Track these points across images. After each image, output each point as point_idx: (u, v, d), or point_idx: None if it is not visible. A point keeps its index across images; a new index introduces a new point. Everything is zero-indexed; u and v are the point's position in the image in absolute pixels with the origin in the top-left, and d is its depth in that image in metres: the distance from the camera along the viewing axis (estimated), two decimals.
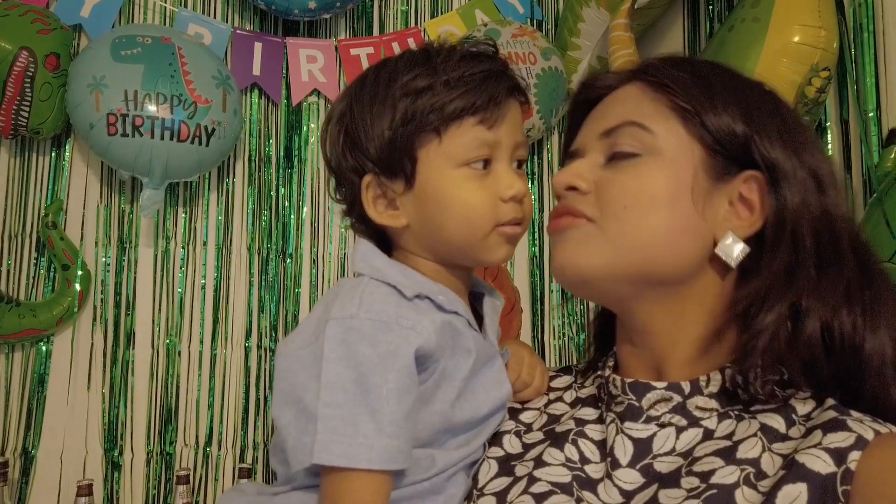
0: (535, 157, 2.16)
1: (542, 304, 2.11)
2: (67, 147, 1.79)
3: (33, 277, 1.75)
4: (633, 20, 1.83)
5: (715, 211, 0.63)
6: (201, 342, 1.84)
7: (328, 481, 0.61)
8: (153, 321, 1.82)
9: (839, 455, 0.52)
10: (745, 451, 0.56)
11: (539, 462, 0.65)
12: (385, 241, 0.74)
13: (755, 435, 0.57)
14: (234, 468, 1.82)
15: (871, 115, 1.45)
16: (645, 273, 0.63)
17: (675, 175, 0.62)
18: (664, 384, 0.63)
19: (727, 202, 0.63)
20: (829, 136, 1.56)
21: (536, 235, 2.13)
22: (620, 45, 1.78)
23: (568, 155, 0.72)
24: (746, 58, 1.47)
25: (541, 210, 2.14)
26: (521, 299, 1.86)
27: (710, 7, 1.91)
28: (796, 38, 1.44)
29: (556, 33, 2.16)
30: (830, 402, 0.58)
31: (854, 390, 0.59)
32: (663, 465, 0.60)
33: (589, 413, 0.69)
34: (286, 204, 1.94)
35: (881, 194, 1.26)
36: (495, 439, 0.72)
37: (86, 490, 1.52)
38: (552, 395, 0.76)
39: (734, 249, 0.62)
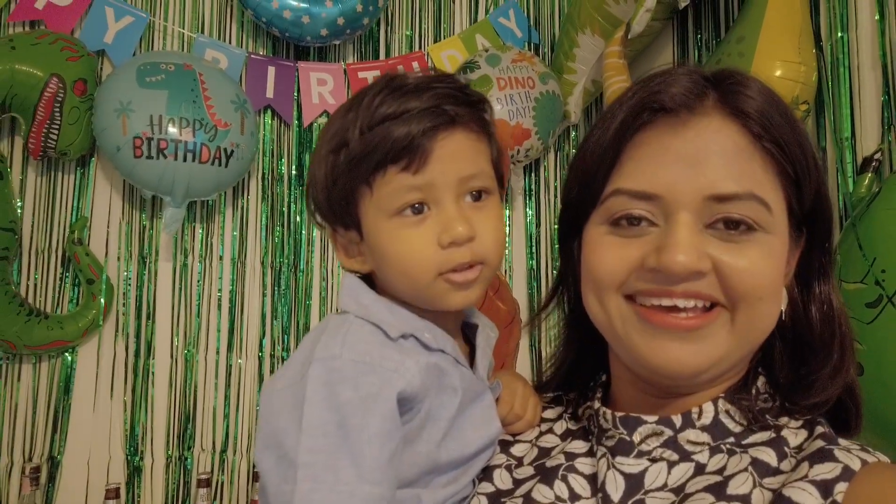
0: (533, 175, 2.27)
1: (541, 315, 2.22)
2: (91, 166, 1.88)
3: (58, 291, 1.84)
4: (627, 48, 1.95)
5: None
6: (217, 352, 1.94)
7: None
8: (172, 332, 1.91)
9: (825, 488, 0.51)
10: (735, 487, 0.55)
11: (528, 499, 0.63)
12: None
13: (746, 470, 0.56)
14: (248, 472, 1.91)
15: (846, 143, 1.58)
16: (749, 355, 0.61)
17: (783, 254, 0.60)
18: (655, 418, 0.61)
19: None
20: None
21: (534, 249, 2.24)
22: (615, 71, 1.89)
23: (638, 195, 0.59)
24: None
25: (538, 225, 2.26)
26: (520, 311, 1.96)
27: (699, 35, 2.03)
28: (778, 73, 1.56)
29: (553, 57, 2.28)
30: (820, 430, 0.58)
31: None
32: (655, 501, 0.58)
33: (579, 446, 0.67)
34: (298, 220, 2.03)
35: (855, 219, 1.38)
36: (486, 474, 0.70)
37: (113, 493, 1.62)
38: (543, 427, 0.74)
39: (785, 303, 0.63)
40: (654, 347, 0.58)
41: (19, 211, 1.79)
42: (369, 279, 0.70)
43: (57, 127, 1.70)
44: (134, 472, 1.83)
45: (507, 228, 2.25)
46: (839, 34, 1.62)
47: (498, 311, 1.94)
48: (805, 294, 0.63)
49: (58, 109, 1.68)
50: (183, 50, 1.96)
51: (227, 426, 1.92)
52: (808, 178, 0.59)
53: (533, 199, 2.27)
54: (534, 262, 2.23)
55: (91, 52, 1.79)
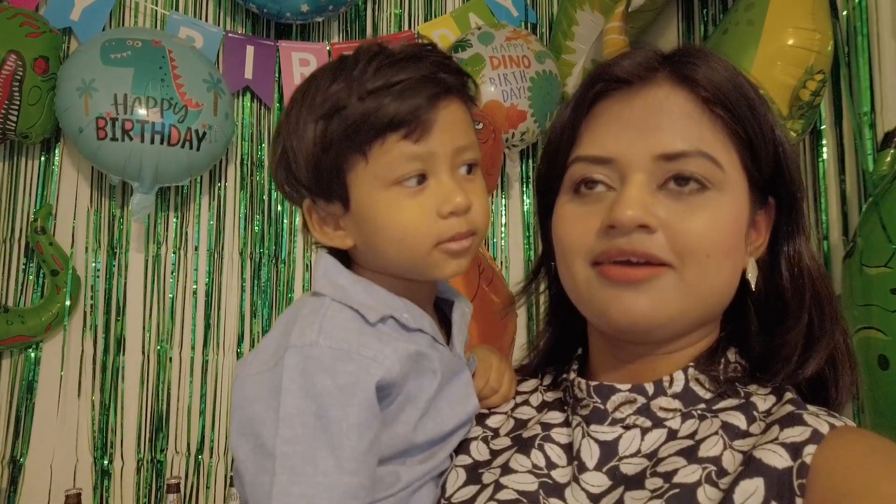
0: (530, 161, 2.15)
1: (538, 307, 2.10)
2: (57, 151, 1.77)
3: (22, 283, 1.73)
4: (627, 23, 1.83)
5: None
6: (192, 348, 1.83)
7: None
8: (144, 327, 1.80)
9: (795, 449, 0.53)
10: (706, 450, 0.57)
11: (506, 469, 0.64)
12: (347, 255, 0.70)
13: (716, 433, 0.58)
14: (226, 476, 1.80)
15: (865, 118, 1.45)
16: (708, 316, 0.62)
17: (738, 215, 0.61)
18: (628, 386, 0.63)
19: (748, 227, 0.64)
20: (824, 139, 1.56)
21: (531, 239, 2.12)
22: (615, 48, 1.77)
23: (594, 160, 0.63)
24: (741, 61, 1.47)
25: (535, 214, 2.13)
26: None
27: (705, 10, 1.91)
28: (790, 41, 1.44)
29: (551, 36, 2.16)
30: (789, 395, 0.59)
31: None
32: (629, 467, 0.60)
33: (555, 417, 0.69)
34: (279, 208, 1.92)
35: (878, 198, 1.25)
36: (462, 447, 0.71)
37: (74, 499, 1.50)
38: (518, 399, 0.75)
39: (756, 273, 0.63)
40: (611, 301, 0.60)
41: None
42: (343, 258, 0.68)
43: (16, 107, 1.59)
44: (102, 475, 1.72)
45: (503, 218, 2.13)
46: (857, 0, 1.49)
47: (491, 303, 1.82)
48: (777, 262, 0.64)
49: (17, 89, 1.58)
50: (156, 28, 1.85)
51: (203, 427, 1.81)
52: (763, 141, 0.61)
53: (530, 186, 2.14)
54: (531, 253, 2.11)
55: (55, 30, 1.68)
